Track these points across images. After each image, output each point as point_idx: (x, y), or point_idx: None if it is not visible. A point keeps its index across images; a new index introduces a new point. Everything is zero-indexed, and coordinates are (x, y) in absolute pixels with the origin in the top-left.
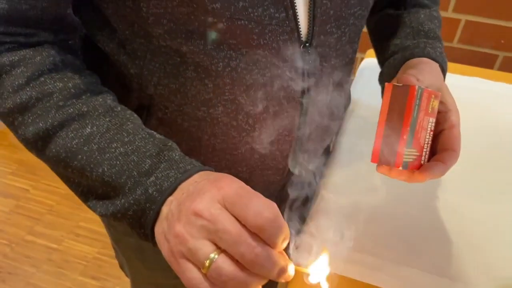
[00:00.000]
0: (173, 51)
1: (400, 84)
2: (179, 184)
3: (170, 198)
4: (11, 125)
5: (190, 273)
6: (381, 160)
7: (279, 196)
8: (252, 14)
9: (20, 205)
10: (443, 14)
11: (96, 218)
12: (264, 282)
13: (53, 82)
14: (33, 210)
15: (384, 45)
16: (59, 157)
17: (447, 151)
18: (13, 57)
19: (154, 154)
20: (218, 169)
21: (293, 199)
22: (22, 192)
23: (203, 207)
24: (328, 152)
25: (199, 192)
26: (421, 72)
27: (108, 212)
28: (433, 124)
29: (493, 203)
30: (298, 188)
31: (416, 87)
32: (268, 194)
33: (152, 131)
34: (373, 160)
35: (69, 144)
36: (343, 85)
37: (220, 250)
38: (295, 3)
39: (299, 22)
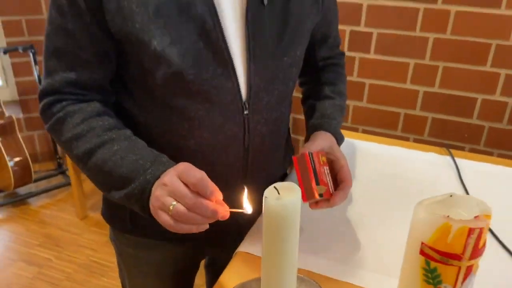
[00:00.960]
0: (168, 106)
1: (299, 155)
2: (162, 172)
3: (158, 181)
4: (69, 148)
5: (163, 216)
6: (307, 197)
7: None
8: (212, 82)
9: (42, 272)
10: None
11: (107, 284)
12: (206, 221)
13: (96, 122)
14: (53, 277)
15: (307, 124)
16: (97, 164)
17: (342, 183)
18: (75, 107)
19: (152, 160)
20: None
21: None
22: (46, 261)
23: (166, 180)
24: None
25: (166, 173)
26: (315, 140)
27: (122, 195)
28: (328, 169)
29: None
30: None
31: (307, 152)
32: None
33: (152, 149)
34: (304, 200)
35: (103, 156)
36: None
37: (177, 202)
38: (237, 75)
39: (240, 90)
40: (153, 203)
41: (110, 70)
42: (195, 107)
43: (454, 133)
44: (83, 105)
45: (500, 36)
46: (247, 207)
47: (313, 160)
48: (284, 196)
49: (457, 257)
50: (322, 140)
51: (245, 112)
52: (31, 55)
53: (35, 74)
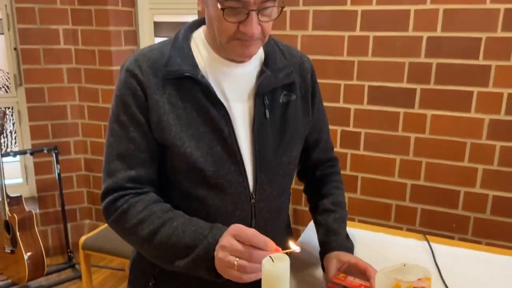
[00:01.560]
0: (191, 195)
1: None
2: (220, 236)
3: (218, 245)
4: (133, 234)
5: (232, 272)
6: None
7: None
8: (226, 177)
9: None
10: None
11: None
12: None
13: (155, 207)
14: None
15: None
16: (162, 241)
17: (368, 274)
18: (136, 199)
19: (209, 228)
20: None
21: None
22: None
23: (225, 242)
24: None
25: (223, 237)
26: (327, 268)
27: (189, 261)
28: (351, 277)
29: None
30: None
31: (329, 285)
32: None
33: (203, 221)
34: None
35: (167, 233)
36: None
37: (238, 257)
38: (246, 171)
39: (249, 183)
40: (219, 264)
41: (156, 168)
42: (212, 197)
43: (443, 224)
44: (142, 196)
45: (473, 135)
46: (296, 248)
47: (339, 284)
48: (276, 263)
49: None
50: (331, 264)
51: (252, 201)
52: (54, 155)
53: (56, 172)
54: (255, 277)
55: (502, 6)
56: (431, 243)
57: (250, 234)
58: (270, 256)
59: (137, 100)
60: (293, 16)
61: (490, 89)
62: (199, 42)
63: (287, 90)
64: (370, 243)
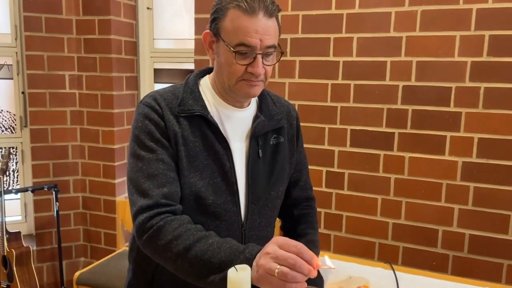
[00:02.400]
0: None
1: None
2: (257, 252)
3: (259, 254)
4: (168, 250)
5: (271, 278)
6: None
7: None
8: (223, 206)
9: None
10: None
11: None
12: (303, 278)
13: (190, 225)
14: None
15: None
16: (196, 256)
17: None
18: (172, 218)
19: (245, 246)
20: None
21: None
22: None
23: (269, 249)
24: None
25: (266, 247)
26: None
27: (223, 276)
28: None
29: None
30: None
31: None
32: None
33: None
34: None
35: (202, 248)
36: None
37: (280, 265)
38: (239, 202)
39: (241, 212)
40: (258, 271)
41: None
42: (208, 223)
43: (424, 262)
44: (177, 216)
45: (448, 177)
46: (331, 265)
47: None
48: (240, 272)
49: None
50: None
51: (243, 229)
52: (53, 193)
53: (55, 209)
54: (294, 287)
55: (468, 59)
56: (397, 272)
57: (299, 245)
58: (234, 267)
59: (160, 129)
60: (281, 65)
61: (462, 133)
62: (205, 89)
63: (277, 133)
64: (339, 269)
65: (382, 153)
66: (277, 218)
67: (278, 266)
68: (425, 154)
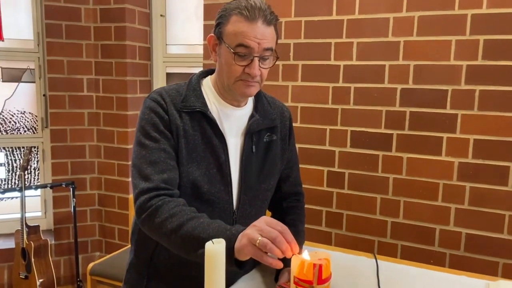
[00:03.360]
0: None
1: None
2: (242, 230)
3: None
4: (163, 226)
5: (252, 247)
6: None
7: None
8: (217, 194)
9: None
10: None
11: None
12: (280, 254)
13: (185, 207)
14: None
15: None
16: (187, 231)
17: None
18: (169, 199)
19: (232, 226)
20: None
21: None
22: None
23: (256, 223)
24: None
25: (254, 222)
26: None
27: None
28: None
29: None
30: None
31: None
32: None
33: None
34: None
35: (193, 225)
36: None
37: (262, 236)
38: (232, 192)
39: (233, 202)
40: (242, 240)
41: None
42: (203, 210)
43: (421, 260)
44: (174, 198)
45: (444, 177)
46: (308, 258)
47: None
48: (216, 244)
49: (309, 282)
50: (283, 277)
51: (234, 217)
52: (71, 189)
53: (72, 205)
54: (269, 261)
55: (464, 63)
56: (379, 260)
57: (284, 226)
58: (211, 241)
59: (164, 122)
60: (284, 69)
61: (458, 135)
62: (206, 88)
63: (270, 132)
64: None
65: (381, 153)
66: (267, 211)
67: (260, 237)
68: (423, 154)
